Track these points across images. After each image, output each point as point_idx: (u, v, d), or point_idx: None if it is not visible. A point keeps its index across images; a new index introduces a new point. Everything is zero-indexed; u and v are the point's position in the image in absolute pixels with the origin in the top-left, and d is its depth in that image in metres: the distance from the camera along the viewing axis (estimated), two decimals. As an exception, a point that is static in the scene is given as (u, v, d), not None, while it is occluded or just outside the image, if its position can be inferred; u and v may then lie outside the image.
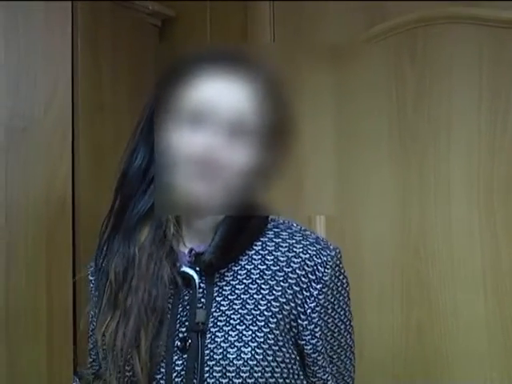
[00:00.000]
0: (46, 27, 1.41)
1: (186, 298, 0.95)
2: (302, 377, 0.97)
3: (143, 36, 1.73)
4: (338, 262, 0.97)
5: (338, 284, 0.98)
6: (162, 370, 0.93)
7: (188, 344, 0.92)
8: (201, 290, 0.95)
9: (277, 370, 0.92)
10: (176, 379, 0.92)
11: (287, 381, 0.94)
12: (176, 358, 0.93)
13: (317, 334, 0.95)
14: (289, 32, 1.63)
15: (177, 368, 0.92)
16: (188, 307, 0.94)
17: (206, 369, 0.90)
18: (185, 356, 0.92)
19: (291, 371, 0.94)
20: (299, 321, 0.94)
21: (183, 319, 0.94)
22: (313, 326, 0.94)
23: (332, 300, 0.97)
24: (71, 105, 1.46)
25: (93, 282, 1.05)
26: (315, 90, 1.52)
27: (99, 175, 1.57)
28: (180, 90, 0.93)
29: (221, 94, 0.92)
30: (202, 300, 0.94)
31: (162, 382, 0.92)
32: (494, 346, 1.37)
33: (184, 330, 0.93)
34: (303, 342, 0.95)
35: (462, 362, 1.39)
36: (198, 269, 0.95)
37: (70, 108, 1.46)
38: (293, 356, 0.95)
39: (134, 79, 1.66)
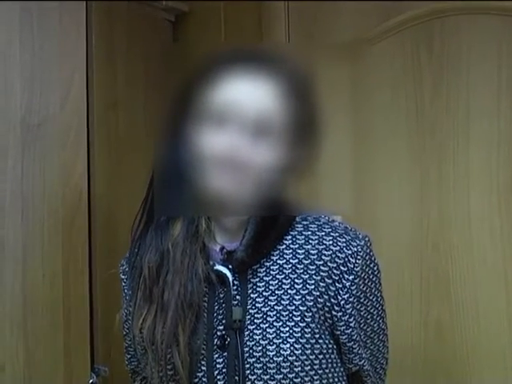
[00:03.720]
0: (61, 23, 1.45)
1: (221, 295, 0.99)
2: (339, 364, 1.01)
3: (157, 31, 1.77)
4: (368, 251, 1.02)
5: (370, 272, 1.02)
6: (203, 368, 0.97)
7: (227, 342, 0.96)
8: (235, 288, 0.98)
9: (315, 361, 0.97)
10: (218, 377, 0.96)
11: (326, 370, 0.99)
12: (216, 356, 0.97)
13: (351, 324, 0.99)
14: (303, 29, 1.65)
15: (218, 366, 0.96)
16: (224, 305, 0.98)
17: (247, 366, 0.95)
18: (225, 354, 0.96)
19: (329, 361, 0.99)
20: (333, 312, 0.99)
21: (220, 317, 0.98)
22: (347, 316, 0.99)
23: (364, 289, 1.02)
24: (86, 100, 1.50)
25: (125, 280, 1.08)
26: (330, 85, 1.54)
27: (115, 170, 1.62)
28: (204, 91, 0.98)
29: (245, 94, 0.96)
30: (237, 297, 0.98)
31: (204, 379, 0.97)
32: (517, 344, 1.37)
33: (222, 328, 0.98)
34: (338, 332, 1.00)
35: (483, 360, 1.40)
36: (230, 266, 0.99)
37: (85, 104, 1.49)
38: (330, 346, 0.99)
39: (149, 74, 1.70)
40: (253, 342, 0.96)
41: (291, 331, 0.96)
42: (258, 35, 1.68)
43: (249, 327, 0.97)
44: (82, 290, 1.45)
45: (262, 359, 0.95)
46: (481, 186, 1.43)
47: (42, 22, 1.43)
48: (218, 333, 0.98)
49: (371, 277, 1.03)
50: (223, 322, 0.98)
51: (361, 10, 1.55)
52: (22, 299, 1.34)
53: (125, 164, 1.64)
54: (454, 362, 1.43)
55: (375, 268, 1.04)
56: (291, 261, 0.99)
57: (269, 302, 0.98)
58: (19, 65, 1.39)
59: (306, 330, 0.96)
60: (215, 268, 1.00)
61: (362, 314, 1.03)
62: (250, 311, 0.98)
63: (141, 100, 1.69)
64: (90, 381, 1.47)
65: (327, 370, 0.99)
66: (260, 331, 0.96)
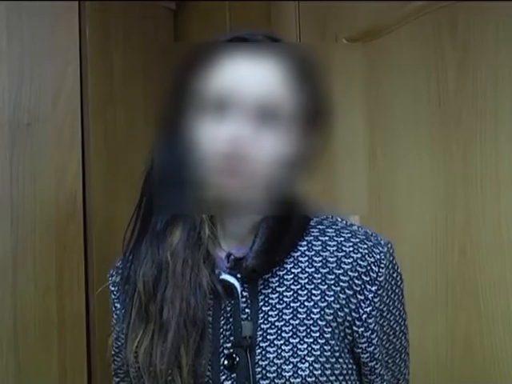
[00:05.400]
0: (52, 12, 1.41)
1: (228, 309, 0.92)
2: None
3: (156, 20, 1.73)
4: (391, 259, 0.96)
5: (393, 283, 0.96)
6: None
7: (236, 362, 0.90)
8: (244, 300, 0.92)
9: (335, 383, 0.90)
10: None
11: None
12: (224, 377, 0.90)
13: (374, 341, 0.93)
14: (315, 30, 1.61)
15: None
16: (231, 319, 0.91)
17: None
18: (233, 375, 0.89)
19: (349, 382, 0.93)
20: (354, 327, 0.92)
21: (227, 333, 0.91)
22: (369, 332, 0.93)
23: (387, 301, 0.95)
24: (80, 97, 1.47)
25: (115, 293, 1.02)
26: (345, 77, 1.49)
27: (112, 172, 1.57)
28: (200, 78, 0.91)
29: (246, 77, 0.89)
30: (247, 311, 0.92)
31: None
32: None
33: (229, 345, 0.91)
34: (359, 350, 0.93)
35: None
36: (238, 276, 0.93)
37: (79, 100, 1.46)
38: (350, 366, 0.93)
39: (147, 67, 1.65)
40: (266, 362, 0.89)
41: (309, 348, 0.89)
42: (267, 20, 1.64)
43: (261, 344, 0.90)
44: (78, 304, 1.41)
45: (276, 381, 0.88)
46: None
47: (32, 11, 1.39)
48: (225, 351, 0.90)
49: (394, 288, 0.97)
50: (231, 338, 0.91)
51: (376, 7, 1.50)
52: (13, 313, 1.31)
53: (123, 165, 1.60)
54: (484, 378, 1.35)
55: (398, 278, 0.98)
56: (307, 269, 0.93)
57: (283, 316, 0.91)
58: (6, 57, 1.35)
59: (325, 347, 0.90)
60: (221, 277, 0.93)
61: (384, 329, 0.96)
62: (262, 326, 0.91)
63: (139, 95, 1.65)
64: (88, 404, 1.46)
65: None
66: (274, 349, 0.89)
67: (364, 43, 1.52)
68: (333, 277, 0.92)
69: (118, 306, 1.01)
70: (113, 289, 1.02)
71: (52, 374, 1.34)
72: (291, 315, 0.91)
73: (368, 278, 0.92)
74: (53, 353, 1.34)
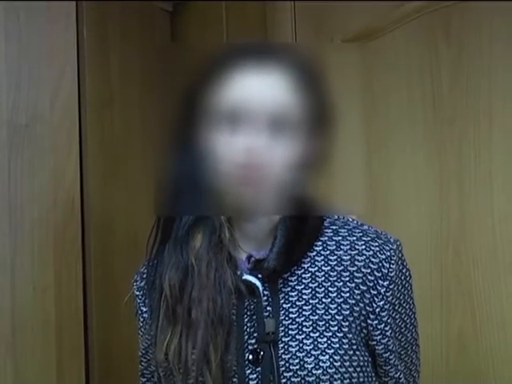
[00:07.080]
0: (49, 14, 1.40)
1: (251, 307, 0.96)
2: (374, 379, 0.99)
3: (153, 21, 1.72)
4: (400, 255, 1.00)
5: (403, 278, 1.01)
6: None
7: (260, 356, 0.94)
8: (265, 298, 0.96)
9: (354, 375, 0.95)
10: None
11: None
12: (249, 371, 0.94)
13: (387, 333, 0.97)
14: (310, 29, 1.62)
15: (251, 382, 0.94)
16: (254, 317, 0.96)
17: (283, 381, 0.93)
18: (258, 369, 0.94)
19: (365, 374, 0.97)
20: (369, 321, 0.97)
21: (251, 330, 0.96)
22: (383, 324, 0.97)
23: (398, 295, 1.00)
24: (78, 99, 1.46)
25: (140, 297, 1.05)
26: (342, 79, 1.50)
27: (110, 174, 1.57)
28: (211, 92, 0.94)
29: (257, 89, 0.93)
30: (268, 308, 0.96)
31: None
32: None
33: (253, 341, 0.95)
34: (374, 343, 0.97)
35: (510, 374, 1.32)
36: (259, 276, 0.96)
37: (77, 102, 1.45)
38: (365, 358, 0.97)
39: (145, 69, 1.64)
40: (289, 355, 0.93)
41: (329, 342, 0.94)
42: (262, 22, 1.65)
43: (283, 339, 0.94)
44: (76, 305, 1.40)
45: (299, 373, 0.93)
46: (506, 181, 1.34)
47: (29, 13, 1.38)
48: (250, 347, 0.95)
49: (404, 283, 1.01)
50: (254, 335, 0.95)
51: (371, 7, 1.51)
52: (11, 314, 1.30)
53: (121, 167, 1.60)
54: (477, 376, 1.36)
55: (407, 273, 1.03)
56: (323, 268, 0.98)
57: (303, 312, 0.96)
58: (4, 59, 1.34)
59: (343, 340, 0.95)
60: (243, 278, 0.97)
61: (397, 322, 1.01)
62: (284, 322, 0.95)
63: (137, 97, 1.64)
64: (85, 403, 1.44)
65: None
66: (296, 343, 0.94)
67: (359, 44, 1.52)
68: (347, 274, 0.97)
69: (144, 309, 1.04)
70: (138, 293, 1.05)
71: (50, 376, 1.34)
72: (310, 311, 0.95)
73: (380, 274, 0.97)
74: (50, 354, 1.34)
